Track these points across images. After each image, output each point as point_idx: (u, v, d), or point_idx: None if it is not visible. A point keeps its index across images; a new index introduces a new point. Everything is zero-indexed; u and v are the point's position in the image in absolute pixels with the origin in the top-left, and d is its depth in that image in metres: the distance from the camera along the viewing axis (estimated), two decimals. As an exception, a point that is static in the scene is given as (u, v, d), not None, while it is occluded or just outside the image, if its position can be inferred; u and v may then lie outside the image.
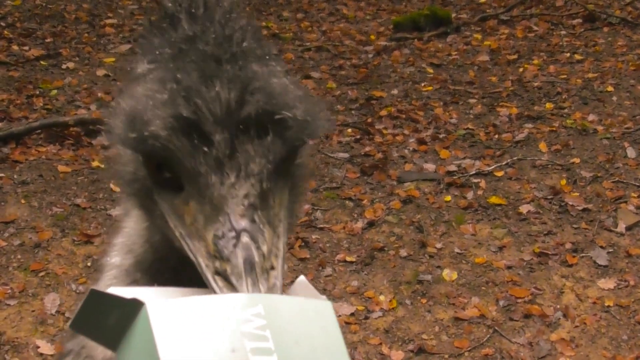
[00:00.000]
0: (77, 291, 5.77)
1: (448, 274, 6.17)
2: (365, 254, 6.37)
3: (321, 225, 6.73)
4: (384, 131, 8.49)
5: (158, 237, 1.52)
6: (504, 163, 7.78)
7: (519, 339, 5.54)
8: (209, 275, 1.26)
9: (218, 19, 1.40)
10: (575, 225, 6.81)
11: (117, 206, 6.73)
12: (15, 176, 7.11)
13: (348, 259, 6.32)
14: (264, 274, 1.23)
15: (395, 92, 9.58)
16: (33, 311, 5.57)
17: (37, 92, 8.96)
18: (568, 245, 6.51)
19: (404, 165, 7.77)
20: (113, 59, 10.16)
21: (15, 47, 10.32)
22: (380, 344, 5.49)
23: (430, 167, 7.73)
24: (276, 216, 1.33)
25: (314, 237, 6.57)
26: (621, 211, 6.99)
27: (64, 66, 9.82)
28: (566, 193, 7.24)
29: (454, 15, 12.34)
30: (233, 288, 1.21)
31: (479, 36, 11.60)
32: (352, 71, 10.21)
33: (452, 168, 7.68)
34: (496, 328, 5.64)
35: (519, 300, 5.91)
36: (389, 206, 7.04)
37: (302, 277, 1.35)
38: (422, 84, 9.85)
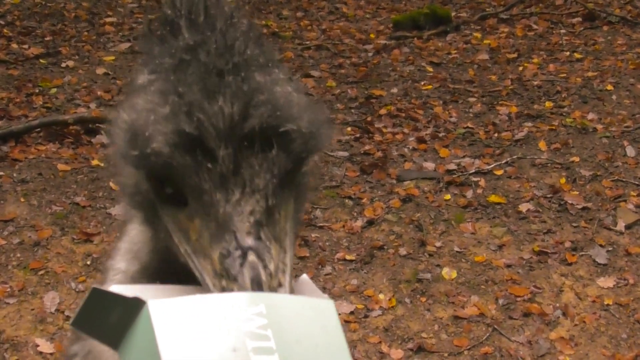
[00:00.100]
0: (77, 290, 5.77)
1: (447, 272, 6.17)
2: (365, 253, 6.37)
3: (321, 224, 6.73)
4: (384, 130, 8.49)
5: (163, 245, 1.49)
6: (503, 162, 7.78)
7: (518, 338, 5.55)
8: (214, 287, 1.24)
9: (219, 27, 1.37)
10: (574, 224, 6.81)
11: (118, 206, 6.73)
12: (14, 174, 7.11)
13: (347, 257, 6.32)
14: (269, 284, 1.21)
15: (394, 90, 9.58)
16: (32, 310, 5.57)
17: (37, 91, 8.96)
18: (567, 244, 6.51)
19: (403, 164, 7.77)
20: (113, 58, 10.16)
21: (14, 46, 10.31)
22: (380, 342, 5.49)
23: (429, 165, 7.73)
24: (282, 230, 1.31)
25: (313, 235, 6.57)
26: (620, 210, 6.99)
27: (63, 64, 9.81)
28: (566, 192, 7.24)
29: (453, 13, 12.34)
30: None
31: (478, 35, 11.59)
32: (352, 70, 10.21)
33: (452, 167, 7.68)
34: (495, 327, 5.64)
35: (519, 299, 5.91)
36: (389, 205, 7.04)
37: (304, 276, 1.35)
38: (422, 83, 9.85)
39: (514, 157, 7.89)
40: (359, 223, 6.76)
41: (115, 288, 1.19)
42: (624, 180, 7.49)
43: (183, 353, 1.06)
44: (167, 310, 1.10)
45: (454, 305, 5.86)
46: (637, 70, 10.15)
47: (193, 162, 1.26)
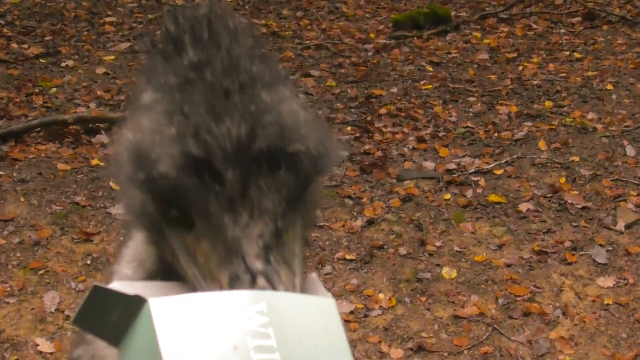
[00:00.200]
0: (77, 289, 5.77)
1: (447, 272, 6.18)
2: (365, 252, 6.37)
3: (320, 223, 6.72)
4: (384, 129, 8.48)
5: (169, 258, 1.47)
6: (503, 161, 7.78)
7: (518, 337, 5.55)
8: None
9: (224, 45, 1.33)
10: (574, 224, 6.81)
11: (118, 205, 6.73)
12: (14, 174, 7.11)
13: (347, 257, 6.32)
14: None
15: (394, 90, 9.58)
16: (32, 309, 5.57)
17: (37, 90, 8.96)
18: (567, 244, 6.51)
19: (403, 164, 7.77)
20: (112, 57, 10.16)
21: (14, 45, 10.31)
22: (380, 342, 5.49)
23: (429, 165, 7.73)
24: (291, 253, 1.29)
25: (313, 235, 6.56)
26: (620, 209, 6.99)
27: (63, 64, 9.81)
28: (565, 191, 7.24)
29: (453, 13, 12.33)
30: None
31: (478, 34, 11.59)
32: (352, 69, 10.21)
33: (452, 166, 7.68)
34: (495, 326, 5.64)
35: (518, 299, 5.91)
36: (389, 204, 7.04)
37: (313, 274, 1.35)
38: (422, 82, 9.84)
39: (514, 156, 7.89)
40: (359, 222, 6.76)
41: (116, 285, 1.19)
42: (623, 179, 7.50)
43: (184, 351, 1.06)
44: (168, 308, 1.10)
45: (453, 305, 5.86)
46: (636, 69, 10.15)
47: (200, 184, 1.24)
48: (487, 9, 12.71)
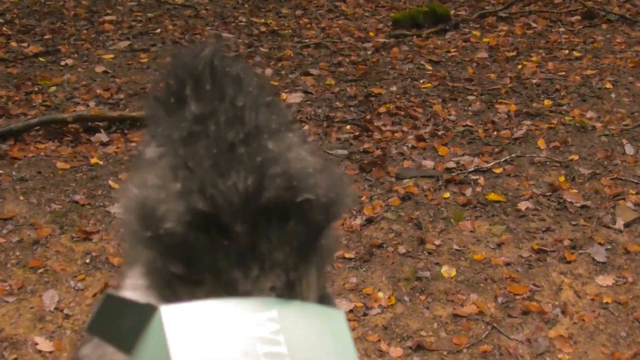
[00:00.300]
0: (76, 288, 5.78)
1: (447, 270, 6.18)
2: (364, 251, 6.38)
3: (320, 222, 6.72)
4: (383, 128, 8.49)
5: None
6: (502, 160, 7.78)
7: (517, 336, 5.55)
8: None
9: (228, 95, 1.30)
10: (573, 222, 6.81)
11: (118, 204, 6.73)
12: (13, 173, 7.12)
13: (347, 255, 6.32)
14: None
15: (394, 88, 9.58)
16: (31, 308, 5.57)
17: (36, 89, 8.96)
18: (566, 242, 6.52)
19: (402, 162, 7.77)
20: (112, 56, 10.16)
21: (13, 44, 10.31)
22: (379, 340, 5.49)
23: (429, 163, 7.73)
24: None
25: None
26: (619, 208, 7.00)
27: (62, 63, 9.82)
28: (565, 190, 7.24)
29: (452, 12, 12.34)
30: None
31: (477, 33, 11.60)
32: (351, 68, 10.21)
33: (451, 165, 7.69)
34: (495, 325, 5.64)
35: (518, 297, 5.91)
36: (388, 203, 7.05)
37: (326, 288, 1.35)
38: (421, 81, 9.85)
39: (513, 155, 7.89)
40: (358, 221, 6.76)
41: (129, 293, 1.20)
42: (623, 178, 7.50)
43: (194, 358, 1.07)
44: (179, 315, 1.11)
45: (453, 304, 5.86)
46: (636, 68, 10.16)
47: (208, 240, 1.21)
48: (486, 7, 12.72)
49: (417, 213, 6.91)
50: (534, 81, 9.83)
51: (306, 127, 8.33)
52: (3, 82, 9.07)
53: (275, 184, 1.22)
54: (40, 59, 9.86)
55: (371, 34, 11.59)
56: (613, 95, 9.40)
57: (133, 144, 7.70)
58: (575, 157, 7.85)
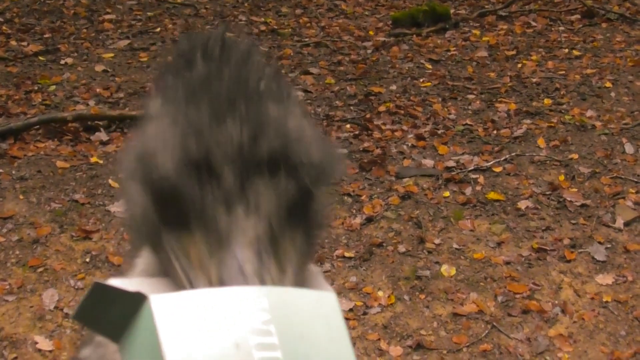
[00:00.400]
0: (76, 287, 5.78)
1: (446, 269, 6.18)
2: (364, 250, 6.38)
3: (319, 221, 6.71)
4: (383, 127, 8.49)
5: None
6: (502, 159, 7.78)
7: (517, 335, 5.55)
8: None
9: (235, 61, 1.35)
10: (573, 221, 6.81)
11: (117, 203, 6.73)
12: (13, 172, 7.12)
13: (346, 254, 6.32)
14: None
15: (393, 87, 9.58)
16: (31, 307, 5.57)
17: (36, 88, 8.96)
18: (566, 241, 6.52)
19: (402, 161, 7.77)
20: (112, 55, 10.16)
21: (13, 43, 10.31)
22: (379, 339, 5.49)
23: (428, 162, 7.73)
24: (286, 258, 1.28)
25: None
26: (619, 207, 7.00)
27: (62, 62, 9.81)
28: (564, 189, 7.24)
29: (452, 11, 12.34)
30: None
31: (477, 32, 11.59)
32: (351, 67, 10.21)
33: (451, 164, 7.69)
34: (494, 324, 5.64)
35: (517, 296, 5.91)
36: (388, 202, 7.04)
37: (315, 268, 1.34)
38: (421, 80, 9.84)
39: (513, 154, 7.89)
40: (358, 220, 6.76)
41: (117, 282, 1.19)
42: (622, 177, 7.50)
43: (185, 348, 1.06)
44: (169, 305, 1.10)
45: (453, 303, 5.86)
46: (635, 67, 10.16)
47: (198, 182, 1.25)
48: (486, 6, 12.72)
49: (417, 212, 6.91)
50: (534, 80, 9.83)
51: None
52: (3, 81, 9.07)
53: (270, 141, 1.26)
54: (40, 57, 9.86)
55: (371, 32, 11.59)
56: (613, 94, 9.39)
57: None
58: (575, 156, 7.85)
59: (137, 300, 1.13)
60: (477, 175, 7.47)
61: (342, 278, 6.07)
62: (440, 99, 9.26)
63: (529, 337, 5.54)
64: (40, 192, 6.85)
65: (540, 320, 5.69)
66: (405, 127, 8.50)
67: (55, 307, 5.57)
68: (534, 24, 11.94)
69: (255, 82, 1.33)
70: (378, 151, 7.91)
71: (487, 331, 5.59)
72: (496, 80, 9.85)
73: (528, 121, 8.70)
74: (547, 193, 7.21)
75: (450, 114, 8.88)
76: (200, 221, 1.26)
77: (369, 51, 10.82)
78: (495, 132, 8.45)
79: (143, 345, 1.11)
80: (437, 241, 6.51)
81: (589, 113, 8.84)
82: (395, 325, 5.64)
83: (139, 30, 11.17)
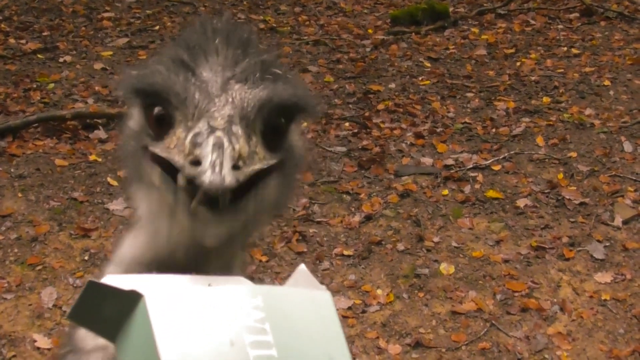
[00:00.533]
0: (74, 285, 5.77)
1: (445, 267, 6.18)
2: (363, 248, 6.37)
3: (318, 219, 6.73)
4: (382, 125, 8.48)
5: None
6: (501, 157, 7.78)
7: (516, 333, 5.55)
8: (181, 177, 1.31)
9: (239, 32, 1.52)
10: (572, 219, 6.81)
11: (116, 201, 6.72)
12: (12, 170, 7.11)
13: (345, 252, 6.32)
14: (233, 155, 1.28)
15: (392, 86, 9.58)
16: (30, 305, 5.57)
17: (35, 86, 8.95)
18: (565, 239, 6.52)
19: (401, 159, 7.77)
20: (110, 53, 10.14)
21: (12, 41, 10.30)
22: (378, 337, 5.49)
23: (427, 161, 7.73)
24: (257, 157, 1.39)
25: (311, 230, 6.57)
26: (618, 205, 7.00)
27: (61, 60, 9.80)
28: (563, 187, 7.24)
29: (451, 9, 12.32)
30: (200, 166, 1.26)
31: (476, 30, 11.59)
32: (350, 65, 10.20)
33: (450, 162, 7.69)
34: (493, 322, 5.64)
35: (516, 294, 5.91)
36: (387, 200, 7.04)
37: (302, 266, 1.34)
38: (420, 78, 9.84)
39: (512, 152, 7.89)
40: (357, 218, 6.76)
41: (111, 280, 1.19)
42: (621, 175, 7.50)
43: (180, 346, 1.06)
44: (163, 304, 1.10)
45: (451, 301, 5.86)
46: (634, 65, 10.16)
47: (184, 80, 1.40)
48: (485, 4, 12.71)
49: (416, 210, 6.91)
50: (533, 78, 9.82)
51: (305, 124, 8.32)
52: (1, 79, 9.06)
53: (254, 58, 1.46)
54: (39, 55, 9.84)
55: (370, 31, 11.58)
56: (611, 92, 9.39)
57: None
58: (574, 154, 7.85)
59: (132, 299, 1.13)
60: (476, 174, 7.47)
61: (341, 276, 6.07)
62: (439, 97, 9.26)
63: (528, 335, 5.54)
64: (39, 190, 6.85)
65: (539, 318, 5.69)
66: (404, 126, 8.49)
67: (54, 305, 5.57)
68: (532, 22, 11.94)
69: (255, 50, 1.50)
70: (377, 149, 7.91)
71: (485, 329, 5.59)
72: (495, 79, 9.85)
73: (527, 119, 8.69)
74: (546, 191, 7.21)
75: (449, 112, 8.87)
76: (182, 113, 1.39)
77: (368, 49, 10.81)
78: (494, 130, 8.45)
79: (138, 344, 1.11)
80: (436, 239, 6.51)
81: (588, 111, 8.84)
82: (394, 323, 5.64)
83: (137, 28, 11.16)
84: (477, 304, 5.80)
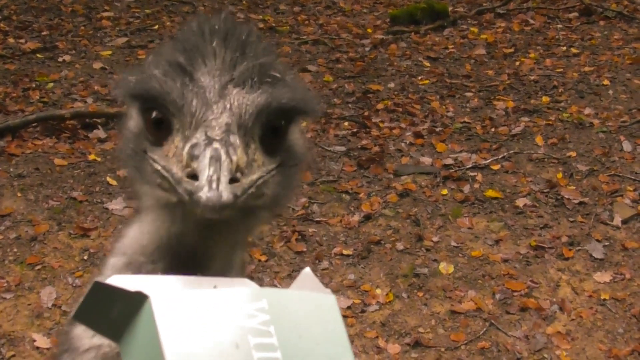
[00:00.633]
0: (74, 285, 5.77)
1: (444, 267, 6.18)
2: (362, 248, 6.37)
3: (318, 219, 6.73)
4: (381, 124, 8.49)
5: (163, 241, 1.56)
6: (500, 156, 7.78)
7: (515, 332, 5.56)
8: (180, 188, 1.32)
9: (239, 31, 1.51)
10: (571, 219, 6.82)
11: (115, 200, 6.72)
12: (11, 169, 7.11)
13: (345, 252, 6.32)
14: (230, 167, 1.28)
15: (392, 85, 9.58)
16: (29, 305, 5.57)
17: (34, 85, 8.94)
18: (564, 239, 6.52)
19: (400, 159, 7.77)
20: (109, 52, 10.14)
21: (11, 40, 10.30)
22: (377, 337, 5.49)
23: (426, 160, 7.73)
24: (255, 164, 1.39)
25: (310, 230, 6.57)
26: (617, 204, 7.00)
27: (60, 59, 9.80)
28: (562, 186, 7.25)
29: (450, 8, 12.34)
30: (198, 181, 1.27)
31: (475, 30, 11.59)
32: (349, 64, 10.20)
33: (449, 161, 7.69)
34: (492, 321, 5.65)
35: (516, 294, 5.92)
36: (386, 199, 7.04)
37: (307, 269, 1.34)
38: (419, 78, 9.84)
39: (511, 151, 7.89)
40: (356, 218, 6.76)
41: (116, 279, 1.19)
42: (620, 175, 7.50)
43: (185, 348, 1.06)
44: (169, 305, 1.10)
45: (451, 300, 5.86)
46: (633, 65, 10.16)
47: (181, 85, 1.40)
48: (484, 4, 12.72)
49: (415, 210, 6.91)
50: (532, 78, 9.83)
51: (304, 123, 8.31)
52: (0, 79, 9.06)
53: (252, 59, 1.45)
54: (38, 55, 9.84)
55: (369, 30, 11.58)
56: (611, 92, 9.40)
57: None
58: (573, 154, 7.85)
59: (138, 300, 1.13)
60: (475, 173, 7.48)
61: (340, 276, 6.07)
62: (438, 97, 9.26)
63: (527, 334, 5.54)
64: (38, 190, 6.85)
65: (538, 317, 5.69)
66: (403, 125, 8.50)
67: (53, 305, 5.57)
68: (532, 21, 11.94)
69: (255, 51, 1.49)
70: (376, 149, 7.91)
71: (485, 329, 5.59)
72: (494, 78, 9.85)
73: (526, 119, 8.70)
74: (545, 191, 7.21)
75: (448, 111, 8.88)
76: (180, 121, 1.39)
77: (367, 49, 10.81)
78: (493, 129, 8.45)
79: (143, 345, 1.11)
80: (435, 239, 6.51)
81: (587, 111, 8.84)
82: (394, 322, 5.65)
83: (137, 27, 11.16)
84: (477, 303, 5.80)
